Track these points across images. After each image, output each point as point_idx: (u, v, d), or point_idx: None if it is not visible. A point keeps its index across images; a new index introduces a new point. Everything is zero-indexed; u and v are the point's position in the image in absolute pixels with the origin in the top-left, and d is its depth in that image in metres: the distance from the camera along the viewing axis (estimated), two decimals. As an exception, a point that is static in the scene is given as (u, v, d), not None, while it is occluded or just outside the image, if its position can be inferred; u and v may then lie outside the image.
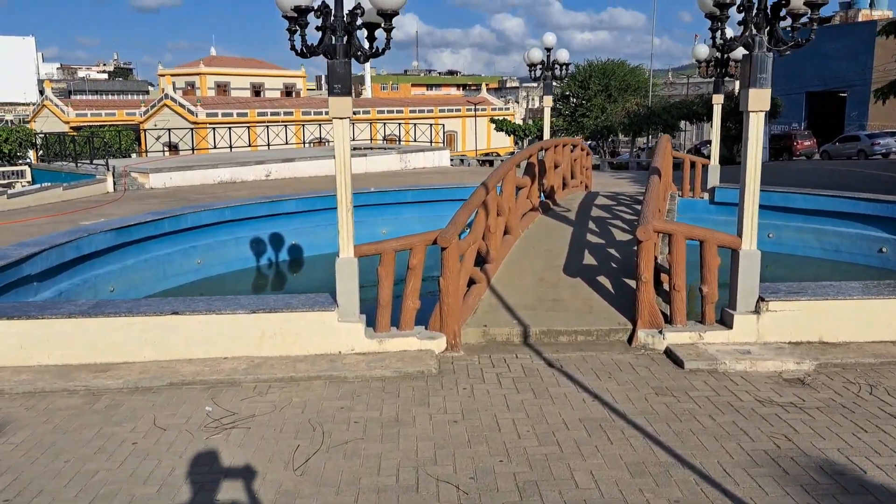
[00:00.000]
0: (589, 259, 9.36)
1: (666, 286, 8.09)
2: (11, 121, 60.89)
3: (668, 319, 7.25)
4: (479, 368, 6.62)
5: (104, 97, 76.24)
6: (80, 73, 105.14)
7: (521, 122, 57.26)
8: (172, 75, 60.16)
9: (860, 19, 51.79)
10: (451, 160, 30.78)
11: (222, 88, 61.78)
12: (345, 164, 6.70)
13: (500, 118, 52.44)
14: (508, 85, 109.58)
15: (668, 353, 6.92)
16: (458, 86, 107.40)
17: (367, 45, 6.54)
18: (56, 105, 55.93)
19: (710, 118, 37.95)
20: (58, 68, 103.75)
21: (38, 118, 55.90)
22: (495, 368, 6.62)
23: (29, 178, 27.12)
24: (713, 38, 7.40)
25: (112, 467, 4.82)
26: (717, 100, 15.87)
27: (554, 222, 11.34)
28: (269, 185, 21.51)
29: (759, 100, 6.76)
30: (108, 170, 21.45)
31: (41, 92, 63.11)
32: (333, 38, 6.35)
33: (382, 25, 6.32)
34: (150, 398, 6.02)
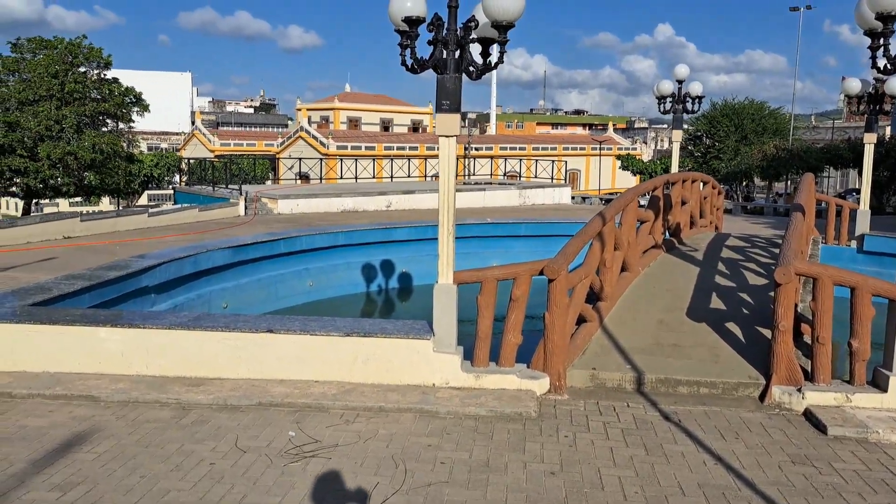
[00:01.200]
0: (717, 303, 8.45)
1: (807, 338, 7.12)
2: (165, 148, 66.14)
3: (809, 376, 6.29)
4: (585, 415, 5.97)
5: (247, 129, 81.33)
6: (229, 108, 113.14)
7: (647, 162, 55.47)
8: (309, 109, 63.32)
9: None
10: (573, 198, 30.04)
11: (354, 123, 64.23)
12: (448, 185, 6.33)
13: (626, 155, 51.02)
14: (637, 125, 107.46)
15: (808, 415, 5.97)
16: (584, 125, 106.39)
17: (479, 60, 6.19)
18: (204, 135, 60.21)
19: (857, 164, 35.07)
20: (209, 102, 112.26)
21: (188, 146, 60.41)
22: (603, 417, 5.94)
23: (174, 200, 29.01)
24: (873, 57, 6.50)
25: (184, 487, 4.60)
26: (870, 139, 14.37)
27: (678, 261, 10.44)
28: (388, 214, 21.73)
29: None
30: (240, 194, 22.43)
31: (193, 123, 68.29)
32: (445, 51, 6.06)
33: (497, 38, 5.96)
34: (236, 417, 5.82)
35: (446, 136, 6.28)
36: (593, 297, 7.92)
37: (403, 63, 6.27)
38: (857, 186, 32.34)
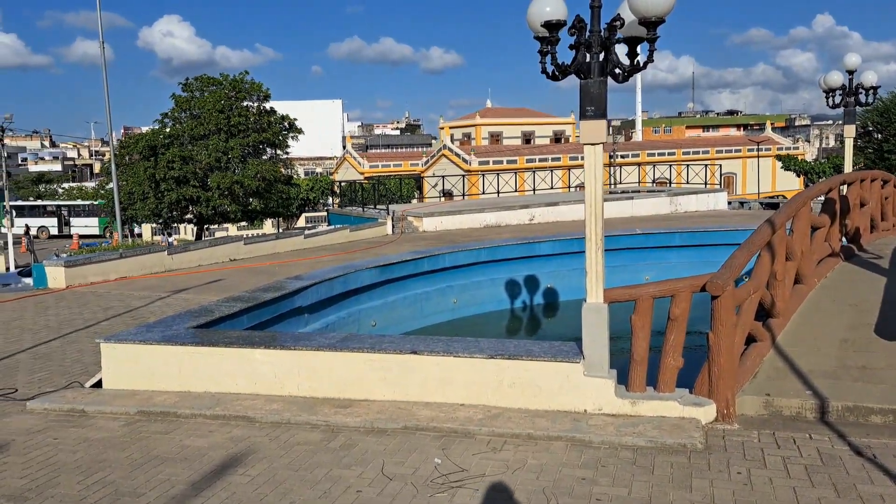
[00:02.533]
0: (913, 318, 7.35)
1: None
2: (320, 172, 69.91)
3: None
4: (759, 448, 5.31)
5: (394, 150, 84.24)
6: (377, 131, 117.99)
7: (812, 162, 51.14)
8: (451, 128, 64.51)
9: None
10: (730, 203, 28.20)
11: (495, 138, 64.62)
12: (595, 196, 5.94)
13: (787, 156, 47.33)
14: (797, 123, 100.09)
15: None
16: (738, 126, 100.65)
17: (626, 61, 5.77)
18: (354, 158, 63.03)
19: None
20: (358, 126, 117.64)
21: (340, 169, 63.49)
22: (781, 450, 5.26)
23: (328, 221, 30.47)
24: None
25: (331, 515, 4.53)
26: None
27: (860, 270, 9.27)
28: (531, 228, 21.42)
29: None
30: (387, 214, 23.07)
31: (344, 147, 71.73)
32: (588, 55, 5.70)
33: (645, 35, 5.52)
34: (383, 441, 5.74)
35: (592, 144, 5.91)
36: (763, 314, 7.16)
37: (544, 71, 5.98)
38: None
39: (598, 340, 6.03)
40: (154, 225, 39.70)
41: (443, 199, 37.89)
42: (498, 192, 34.08)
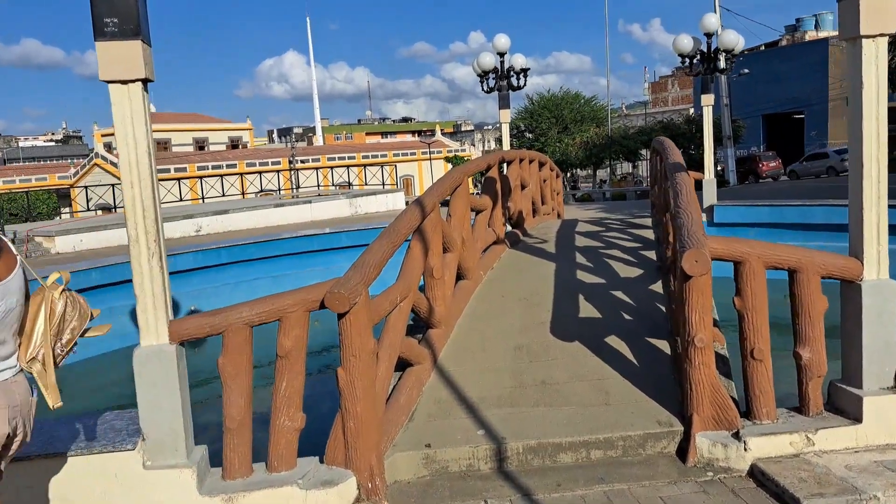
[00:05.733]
0: (587, 309, 6.23)
1: (717, 347, 5.08)
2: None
3: (745, 411, 4.19)
4: (416, 545, 3.44)
5: (42, 163, 72.71)
6: (25, 143, 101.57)
7: (478, 161, 54.95)
8: (105, 135, 56.76)
9: (807, 40, 51.53)
10: (407, 202, 28.12)
11: (163, 145, 58.76)
12: (139, 172, 3.58)
13: (454, 157, 50.23)
14: (464, 129, 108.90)
15: (758, 476, 3.83)
16: (413, 132, 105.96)
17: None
18: (-21, 173, 52.17)
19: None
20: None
21: (-39, 188, 51.86)
22: (447, 542, 3.44)
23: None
24: None
25: None
26: (707, 101, 13.31)
27: (528, 258, 8.24)
28: (198, 240, 18.50)
29: (881, 16, 3.85)
30: (3, 236, 18.13)
31: (-32, 161, 59.18)
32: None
33: None
34: None
35: (121, 83, 3.52)
36: (419, 326, 5.46)
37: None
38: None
39: (165, 406, 3.67)
40: None
41: (98, 213, 32.65)
42: (159, 203, 30.00)
